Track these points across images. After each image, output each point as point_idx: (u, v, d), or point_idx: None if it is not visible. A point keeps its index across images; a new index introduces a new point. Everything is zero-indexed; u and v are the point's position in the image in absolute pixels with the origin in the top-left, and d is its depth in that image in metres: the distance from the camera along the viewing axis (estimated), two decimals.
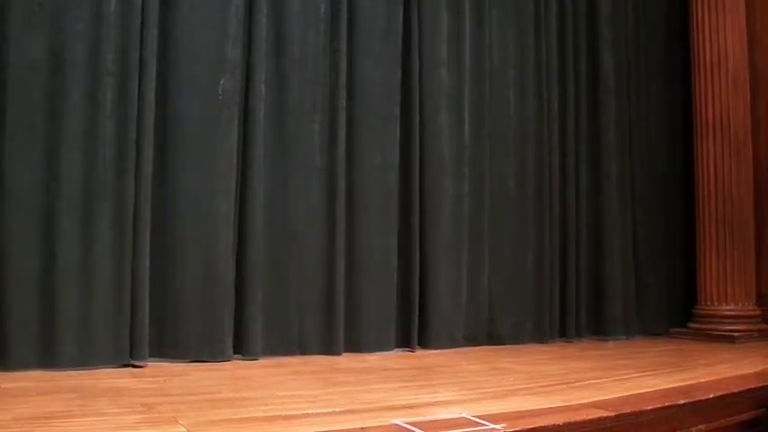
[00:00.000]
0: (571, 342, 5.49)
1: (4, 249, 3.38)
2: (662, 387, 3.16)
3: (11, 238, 3.40)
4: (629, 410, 2.56)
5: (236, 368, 3.64)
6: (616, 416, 2.48)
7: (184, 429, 2.11)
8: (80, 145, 3.59)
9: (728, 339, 5.50)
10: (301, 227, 4.38)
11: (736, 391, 3.11)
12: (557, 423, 2.29)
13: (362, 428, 2.16)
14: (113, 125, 3.69)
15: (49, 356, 3.41)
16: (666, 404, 2.72)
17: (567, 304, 5.61)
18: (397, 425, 2.20)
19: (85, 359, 3.49)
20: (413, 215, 4.78)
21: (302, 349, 4.25)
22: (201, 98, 4.01)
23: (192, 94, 3.99)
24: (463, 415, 2.37)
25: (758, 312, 5.84)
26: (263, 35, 4.24)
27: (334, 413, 2.44)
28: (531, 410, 2.53)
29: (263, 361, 3.96)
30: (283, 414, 2.40)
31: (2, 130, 3.42)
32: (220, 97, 4.03)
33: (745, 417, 3.11)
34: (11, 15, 3.46)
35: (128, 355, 3.60)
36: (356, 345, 4.44)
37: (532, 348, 5.05)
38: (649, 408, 2.64)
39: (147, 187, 3.76)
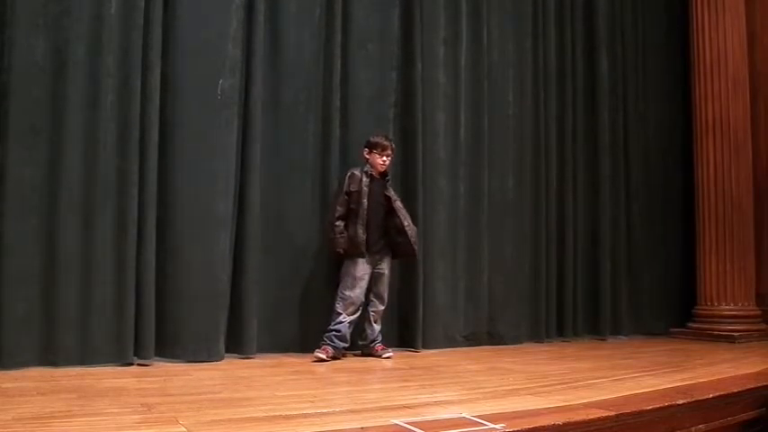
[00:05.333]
0: (570, 342, 5.50)
1: (5, 249, 3.38)
2: (662, 387, 3.16)
3: (13, 237, 3.40)
4: (629, 410, 2.55)
5: (236, 368, 3.63)
6: (616, 416, 2.48)
7: (184, 429, 2.11)
8: (82, 146, 3.60)
9: (728, 339, 5.52)
10: (299, 228, 4.39)
11: (736, 391, 3.11)
12: (557, 423, 2.29)
13: (362, 428, 2.16)
14: (115, 126, 3.69)
15: (49, 356, 3.42)
16: (666, 404, 2.72)
17: (564, 304, 5.63)
18: (397, 425, 2.20)
19: (86, 359, 3.49)
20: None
21: (302, 349, 4.25)
22: (201, 98, 4.00)
23: (191, 94, 3.99)
24: (463, 415, 2.37)
25: (758, 312, 5.85)
26: (261, 36, 4.24)
27: (334, 413, 2.44)
28: (531, 410, 2.53)
29: (262, 361, 3.96)
30: (283, 414, 2.40)
31: (5, 131, 3.42)
32: (219, 97, 4.03)
33: (744, 417, 3.11)
34: (14, 17, 3.46)
35: (128, 355, 3.60)
36: (356, 345, 4.43)
37: (532, 348, 5.05)
38: (649, 408, 2.64)
39: (148, 188, 3.76)
